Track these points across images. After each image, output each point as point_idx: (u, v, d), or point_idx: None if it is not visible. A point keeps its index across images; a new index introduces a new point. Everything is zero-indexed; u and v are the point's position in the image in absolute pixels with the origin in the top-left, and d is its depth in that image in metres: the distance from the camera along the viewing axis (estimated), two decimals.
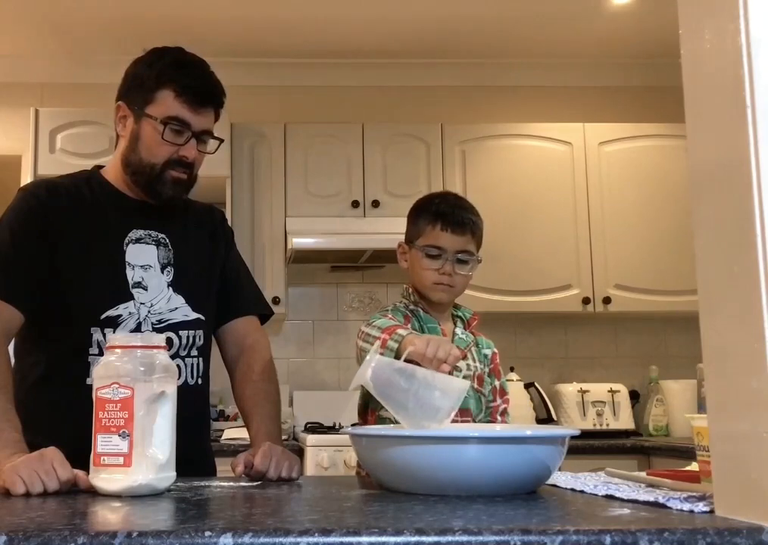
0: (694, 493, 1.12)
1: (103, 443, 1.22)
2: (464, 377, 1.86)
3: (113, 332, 1.61)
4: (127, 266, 1.67)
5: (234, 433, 3.27)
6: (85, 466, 1.26)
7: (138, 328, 1.64)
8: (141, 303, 1.66)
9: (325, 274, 4.02)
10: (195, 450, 1.66)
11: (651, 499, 1.10)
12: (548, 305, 3.77)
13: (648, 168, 3.86)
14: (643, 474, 1.37)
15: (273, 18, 3.76)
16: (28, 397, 1.61)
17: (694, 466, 1.29)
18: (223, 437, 3.31)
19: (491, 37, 3.98)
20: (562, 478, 1.39)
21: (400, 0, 3.61)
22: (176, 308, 1.70)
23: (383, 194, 3.74)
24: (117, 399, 1.21)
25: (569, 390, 3.73)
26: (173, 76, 1.67)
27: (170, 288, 1.71)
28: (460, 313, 1.97)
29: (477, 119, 4.09)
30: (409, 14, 3.73)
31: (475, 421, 1.87)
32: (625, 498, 1.14)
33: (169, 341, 1.67)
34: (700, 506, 1.01)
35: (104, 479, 1.22)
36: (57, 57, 4.06)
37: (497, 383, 1.96)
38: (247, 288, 1.89)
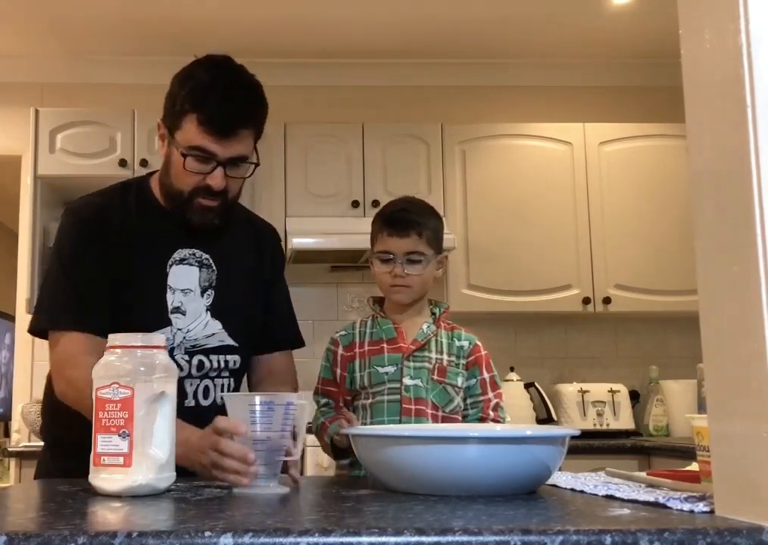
0: (694, 493, 1.12)
1: (103, 443, 1.22)
2: (420, 367, 1.92)
3: None
4: (168, 290, 1.66)
5: None
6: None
7: (170, 353, 1.62)
8: (178, 329, 1.65)
9: (325, 274, 4.02)
10: None
11: (651, 499, 1.10)
12: (548, 305, 3.77)
13: (648, 168, 3.85)
14: (643, 474, 1.37)
15: (273, 18, 3.76)
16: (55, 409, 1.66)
17: (694, 466, 1.29)
18: None
19: (491, 37, 3.98)
20: (562, 478, 1.39)
21: (400, 0, 3.62)
22: (213, 334, 1.69)
23: (383, 194, 3.73)
24: (117, 399, 1.21)
25: (569, 390, 3.73)
26: (196, 102, 1.56)
27: (209, 312, 1.69)
28: (435, 310, 2.04)
29: (477, 119, 4.08)
30: (409, 14, 3.73)
31: (445, 412, 1.90)
32: (626, 498, 1.14)
33: (200, 363, 1.68)
34: (700, 506, 1.01)
35: (104, 479, 1.22)
36: (57, 57, 4.06)
37: (486, 376, 1.98)
38: (287, 324, 1.89)
